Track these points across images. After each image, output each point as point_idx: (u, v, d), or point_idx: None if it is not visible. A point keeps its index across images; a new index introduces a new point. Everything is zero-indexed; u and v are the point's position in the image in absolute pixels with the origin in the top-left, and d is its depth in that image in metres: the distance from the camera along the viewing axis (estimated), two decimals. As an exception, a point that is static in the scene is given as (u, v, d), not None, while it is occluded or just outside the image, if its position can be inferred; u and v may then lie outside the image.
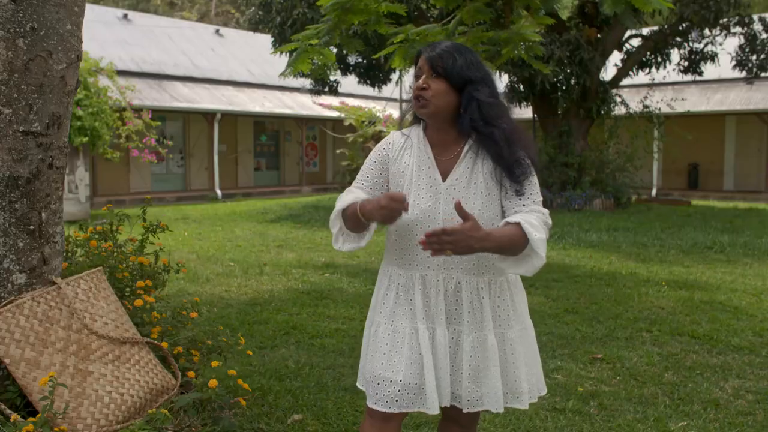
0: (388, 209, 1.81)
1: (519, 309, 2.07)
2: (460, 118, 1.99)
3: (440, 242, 1.73)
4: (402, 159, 2.07)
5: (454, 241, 1.73)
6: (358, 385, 2.18)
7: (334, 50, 5.06)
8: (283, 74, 5.41)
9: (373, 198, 1.91)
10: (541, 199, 2.01)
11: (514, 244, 1.83)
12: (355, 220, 1.93)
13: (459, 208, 1.77)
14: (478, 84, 1.97)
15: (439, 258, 1.96)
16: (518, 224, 1.85)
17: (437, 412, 1.95)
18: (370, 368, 2.03)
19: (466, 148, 2.02)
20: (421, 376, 1.95)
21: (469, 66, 1.97)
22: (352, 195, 2.01)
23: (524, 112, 18.09)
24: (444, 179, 2.00)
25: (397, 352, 1.97)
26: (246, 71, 21.61)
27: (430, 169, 2.02)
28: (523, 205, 1.97)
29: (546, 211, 1.98)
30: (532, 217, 1.90)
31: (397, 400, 1.95)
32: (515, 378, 2.02)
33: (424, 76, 1.98)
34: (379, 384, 1.97)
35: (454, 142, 2.03)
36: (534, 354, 2.12)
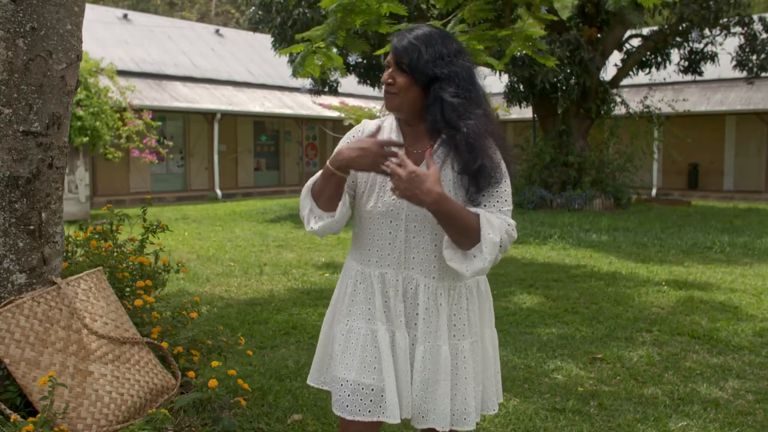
0: (370, 152, 1.71)
1: (473, 320, 1.92)
2: (427, 116, 1.85)
3: (394, 173, 1.66)
4: None
5: (407, 179, 1.65)
6: (311, 383, 2.04)
7: (335, 51, 5.04)
8: (294, 75, 5.38)
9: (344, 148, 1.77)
10: (510, 208, 1.87)
11: (464, 228, 1.73)
12: (325, 188, 1.81)
13: (428, 155, 1.71)
14: (444, 81, 1.80)
15: (400, 256, 1.86)
16: (477, 215, 1.75)
17: (398, 421, 1.79)
18: (329, 369, 1.94)
19: (436, 145, 1.87)
20: (379, 380, 1.81)
21: (435, 60, 1.79)
22: (318, 173, 1.89)
23: (524, 112, 18.10)
24: None
25: (351, 353, 1.85)
26: (246, 71, 21.61)
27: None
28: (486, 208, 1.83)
29: (513, 222, 1.84)
30: (495, 218, 1.78)
31: (347, 405, 1.81)
32: (464, 396, 1.88)
33: (390, 69, 1.85)
34: (334, 385, 1.87)
35: (424, 135, 1.90)
36: (488, 368, 1.97)
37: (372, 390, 1.81)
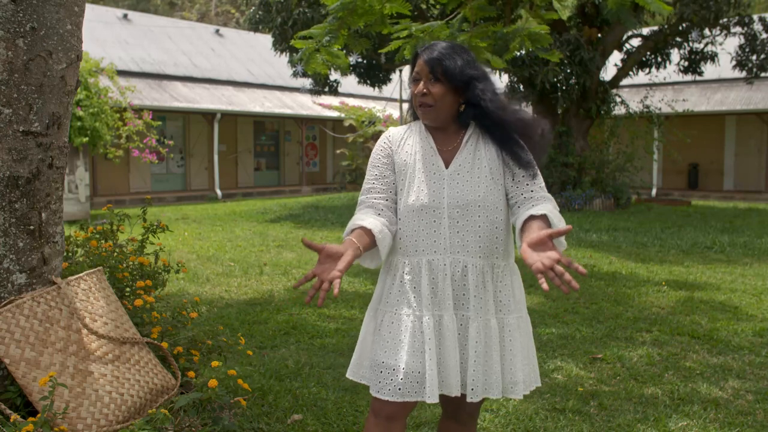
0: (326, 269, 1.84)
1: (518, 296, 2.07)
2: (461, 115, 2.04)
3: (563, 279, 1.68)
4: (404, 149, 2.09)
5: (551, 268, 1.70)
6: (350, 377, 2.13)
7: (340, 50, 5.04)
8: (293, 68, 5.40)
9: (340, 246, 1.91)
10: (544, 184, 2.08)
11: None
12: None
13: (546, 236, 1.76)
14: (481, 81, 2.00)
15: (446, 242, 1.99)
16: (545, 216, 1.91)
17: (436, 400, 1.93)
18: (374, 357, 2.01)
19: (466, 136, 2.06)
20: (424, 365, 1.93)
21: (468, 65, 2.00)
22: (357, 215, 2.04)
23: (524, 112, 18.03)
24: (447, 167, 2.03)
25: (401, 341, 1.96)
26: (246, 71, 21.61)
27: (433, 157, 2.04)
28: (531, 191, 2.01)
29: (551, 196, 2.04)
30: (550, 205, 1.96)
31: (399, 389, 1.93)
32: (512, 366, 2.00)
33: (423, 81, 2.01)
34: (382, 372, 1.96)
35: (454, 134, 2.08)
36: (530, 344, 2.10)
37: (419, 373, 1.93)
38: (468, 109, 2.03)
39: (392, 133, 2.15)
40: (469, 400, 1.99)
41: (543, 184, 2.07)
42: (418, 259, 2.01)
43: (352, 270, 7.30)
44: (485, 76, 2.03)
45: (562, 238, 1.93)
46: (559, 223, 1.91)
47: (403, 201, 2.06)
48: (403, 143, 2.11)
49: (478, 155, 2.04)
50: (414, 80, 2.04)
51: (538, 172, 2.06)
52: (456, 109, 2.04)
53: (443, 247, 1.99)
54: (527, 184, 2.02)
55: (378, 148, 2.14)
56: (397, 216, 2.06)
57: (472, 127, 2.07)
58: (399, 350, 1.95)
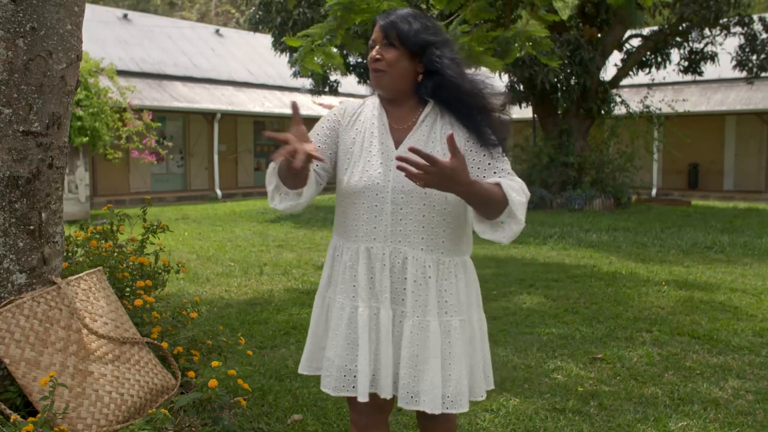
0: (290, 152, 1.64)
1: (462, 298, 1.89)
2: (419, 85, 1.87)
3: (420, 168, 1.58)
4: (354, 126, 1.95)
5: (436, 173, 1.59)
6: (302, 371, 2.01)
7: (335, 50, 5.04)
8: (292, 66, 5.44)
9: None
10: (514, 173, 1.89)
11: (491, 201, 1.73)
12: (291, 168, 1.76)
13: (450, 141, 1.60)
14: (439, 47, 1.83)
15: (386, 229, 1.84)
16: (498, 185, 1.75)
17: (366, 399, 1.81)
18: (323, 347, 1.94)
19: (423, 114, 1.89)
20: (355, 360, 1.83)
21: (425, 29, 1.84)
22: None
23: (524, 112, 18.09)
24: (397, 147, 1.87)
25: (338, 332, 1.87)
26: (246, 71, 21.61)
27: (383, 136, 1.88)
28: (494, 173, 1.83)
29: (522, 182, 1.84)
30: (512, 181, 1.79)
31: (334, 383, 1.85)
32: (458, 375, 1.83)
33: (377, 47, 1.86)
34: (325, 364, 1.89)
35: (411, 111, 1.91)
36: (477, 351, 1.93)
37: (352, 368, 1.84)
38: (426, 79, 1.85)
39: (345, 106, 1.99)
40: (401, 406, 1.85)
41: (509, 167, 1.86)
42: (357, 246, 1.87)
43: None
44: (445, 43, 1.85)
45: (516, 213, 1.74)
46: (514, 194, 1.73)
47: (345, 181, 1.89)
48: (355, 119, 1.96)
49: (432, 137, 1.86)
50: (370, 48, 1.89)
51: (504, 155, 1.87)
52: (413, 79, 1.86)
53: (383, 234, 1.84)
54: (489, 164, 1.84)
55: (325, 118, 1.99)
56: (313, 193, 1.88)
57: (430, 105, 1.89)
58: (336, 342, 1.87)
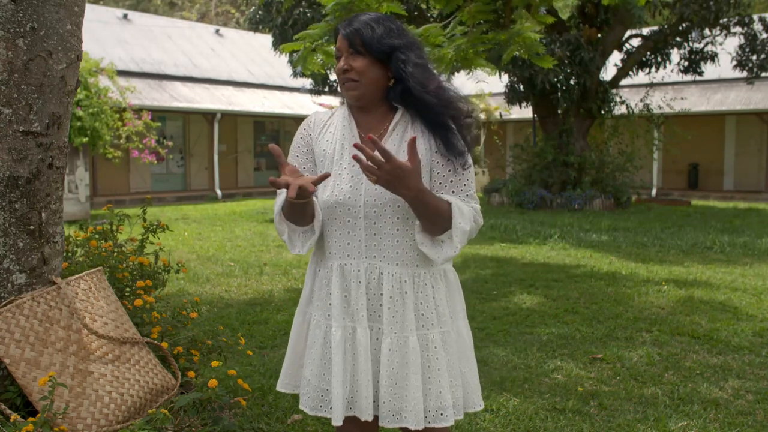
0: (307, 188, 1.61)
1: (441, 309, 1.83)
2: (389, 90, 1.82)
3: (374, 162, 1.57)
4: (325, 137, 1.88)
5: (391, 173, 1.58)
6: (280, 389, 1.98)
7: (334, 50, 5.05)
8: (294, 68, 5.44)
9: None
10: (475, 192, 1.85)
11: (437, 217, 1.70)
12: (294, 208, 1.75)
13: (411, 145, 1.60)
14: (404, 50, 1.78)
15: (360, 245, 1.79)
16: (449, 204, 1.72)
17: (340, 423, 1.76)
18: (295, 365, 1.93)
19: (393, 122, 1.83)
20: (330, 381, 1.79)
21: (389, 33, 1.78)
22: (282, 196, 1.84)
23: (524, 112, 18.10)
24: (367, 159, 1.78)
25: (313, 351, 1.85)
26: (246, 71, 21.61)
27: (353, 148, 1.79)
28: (452, 192, 1.81)
29: (479, 208, 1.83)
30: (465, 206, 1.76)
31: (311, 403, 1.83)
32: (439, 388, 1.78)
33: (343, 57, 1.80)
34: (304, 383, 1.87)
35: (381, 119, 1.85)
36: (463, 362, 1.87)
37: (327, 390, 1.81)
38: (396, 84, 1.79)
39: (314, 118, 1.93)
40: (383, 424, 1.79)
41: (472, 188, 1.82)
42: (331, 263, 1.82)
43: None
44: (410, 46, 1.79)
45: (454, 238, 1.72)
46: (460, 219, 1.71)
47: (320, 196, 1.83)
48: (325, 130, 1.89)
49: (404, 146, 1.79)
50: (336, 58, 1.83)
51: (467, 178, 1.81)
52: (385, 86, 1.81)
53: (357, 250, 1.79)
54: (451, 181, 1.80)
55: (298, 136, 1.93)
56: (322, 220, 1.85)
57: (400, 112, 1.83)
58: (311, 360, 1.84)
